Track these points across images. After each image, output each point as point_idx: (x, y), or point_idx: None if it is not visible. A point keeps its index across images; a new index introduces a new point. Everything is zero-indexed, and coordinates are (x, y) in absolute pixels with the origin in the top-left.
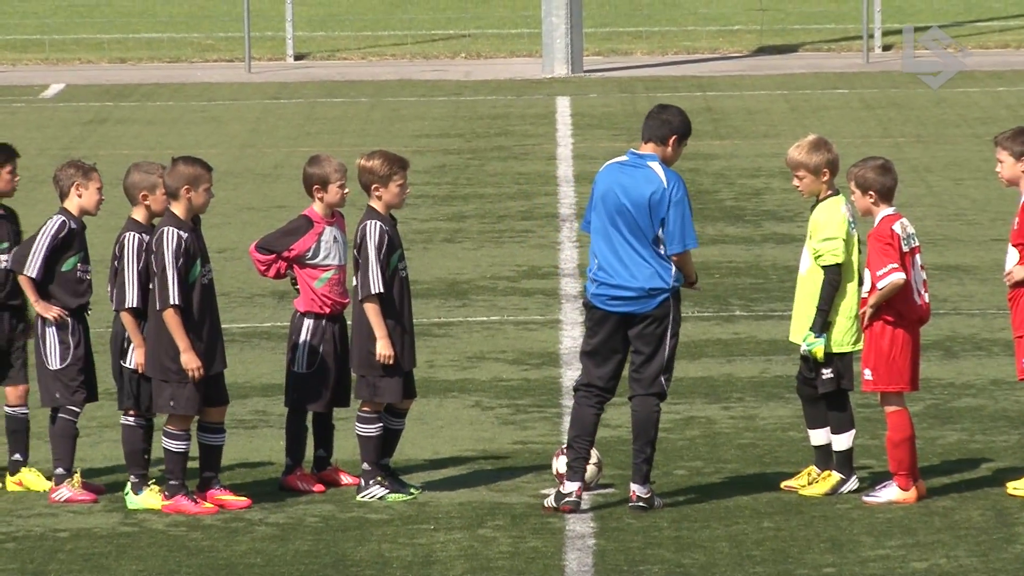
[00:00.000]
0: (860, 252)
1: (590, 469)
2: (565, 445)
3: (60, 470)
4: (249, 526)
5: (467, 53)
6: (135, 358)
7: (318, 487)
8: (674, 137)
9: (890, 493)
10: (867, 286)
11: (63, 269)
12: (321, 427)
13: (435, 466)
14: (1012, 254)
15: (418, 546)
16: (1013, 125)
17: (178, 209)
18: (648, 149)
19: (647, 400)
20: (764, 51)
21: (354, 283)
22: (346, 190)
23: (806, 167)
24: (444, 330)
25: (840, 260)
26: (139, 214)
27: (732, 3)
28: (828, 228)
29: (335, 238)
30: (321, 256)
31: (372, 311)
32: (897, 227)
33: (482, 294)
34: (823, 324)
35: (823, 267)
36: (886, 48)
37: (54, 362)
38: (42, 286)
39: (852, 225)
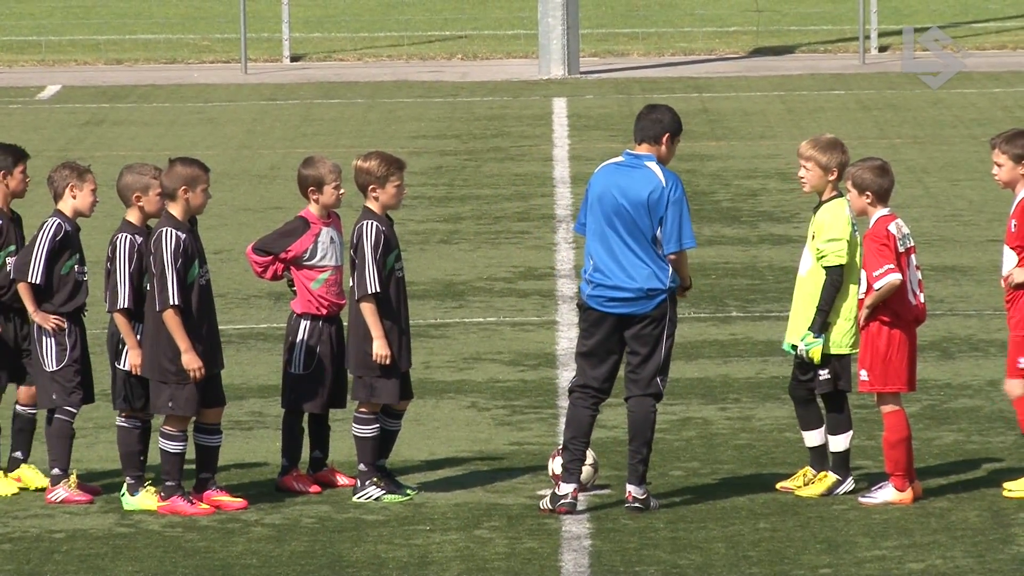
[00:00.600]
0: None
1: (586, 470)
2: (561, 446)
3: (56, 471)
4: (245, 527)
5: (463, 54)
6: (129, 359)
7: (314, 488)
8: (667, 135)
9: (886, 494)
10: (863, 287)
11: (62, 272)
12: (317, 428)
13: (431, 467)
14: (1010, 256)
15: (414, 547)
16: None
17: (176, 210)
18: (643, 150)
19: (644, 401)
20: (760, 52)
21: (351, 284)
22: (341, 191)
23: (817, 161)
24: (440, 331)
25: (844, 261)
26: (133, 216)
27: (728, 4)
28: (833, 229)
29: (332, 239)
30: (318, 257)
31: (368, 311)
32: (893, 228)
33: (478, 295)
34: (823, 324)
35: (826, 268)
36: (882, 49)
37: (51, 364)
38: (44, 291)
39: (855, 228)
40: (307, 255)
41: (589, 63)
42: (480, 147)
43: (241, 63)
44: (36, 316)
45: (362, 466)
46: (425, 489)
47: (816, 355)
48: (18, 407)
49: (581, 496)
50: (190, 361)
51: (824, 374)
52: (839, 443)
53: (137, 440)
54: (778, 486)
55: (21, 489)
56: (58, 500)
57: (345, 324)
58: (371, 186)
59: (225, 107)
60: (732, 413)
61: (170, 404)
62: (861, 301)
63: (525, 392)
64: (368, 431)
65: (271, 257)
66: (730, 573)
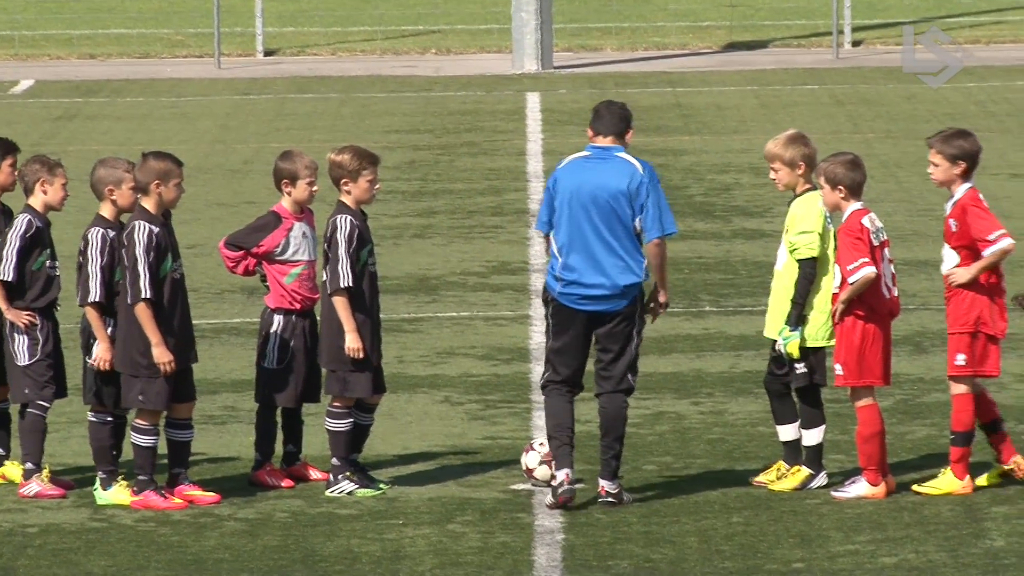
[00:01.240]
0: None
1: (543, 469)
2: (535, 441)
3: (29, 465)
4: (218, 521)
5: (437, 49)
6: (97, 352)
7: (287, 482)
8: (630, 131)
9: (859, 488)
10: (837, 281)
11: (34, 268)
12: (291, 422)
13: (404, 461)
14: (951, 255)
15: (387, 541)
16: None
17: (149, 204)
18: (609, 142)
19: (615, 397)
20: (734, 47)
21: (323, 278)
22: (315, 188)
23: (781, 159)
24: (414, 326)
25: (816, 254)
26: (106, 210)
27: None
28: (805, 222)
29: (304, 233)
30: (290, 252)
31: (341, 305)
32: (866, 221)
33: (452, 290)
34: (798, 317)
35: (798, 261)
36: (856, 44)
37: (23, 358)
38: (16, 288)
39: (829, 220)
40: (279, 250)
41: (562, 58)
42: (453, 142)
43: (214, 58)
44: (8, 313)
45: (335, 460)
46: (398, 483)
47: (794, 350)
48: None
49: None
50: (160, 355)
51: (801, 367)
52: (812, 437)
53: (109, 435)
54: (751, 480)
55: (7, 483)
56: (31, 494)
57: (319, 319)
58: (343, 180)
59: (198, 102)
60: (705, 407)
61: (141, 398)
62: (836, 295)
63: (498, 386)
64: (341, 425)
65: (243, 252)
66: (703, 567)
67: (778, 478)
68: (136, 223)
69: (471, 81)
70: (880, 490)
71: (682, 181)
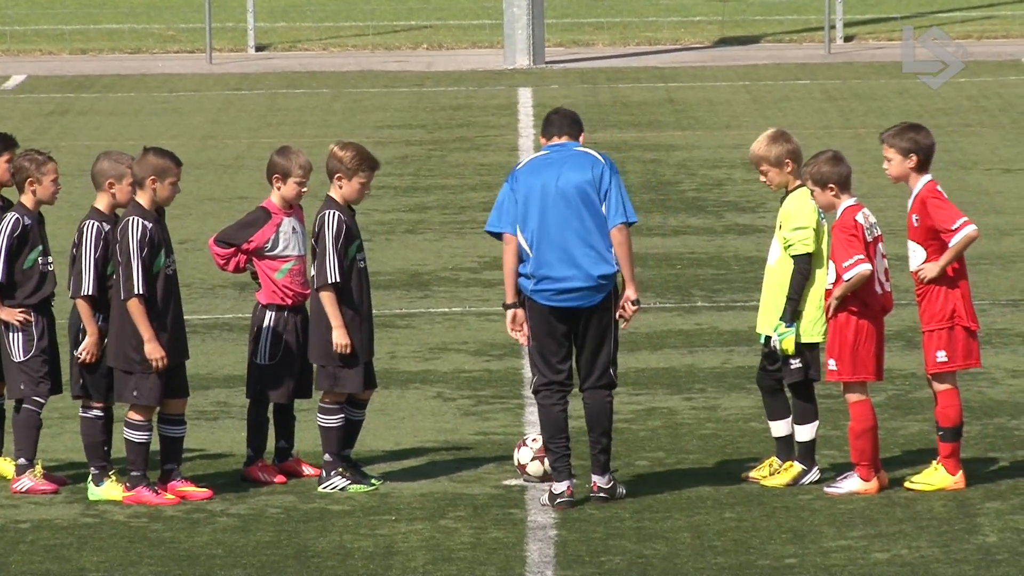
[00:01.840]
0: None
1: (535, 464)
2: (528, 436)
3: (22, 460)
4: (210, 517)
5: (429, 44)
6: (84, 345)
7: (280, 478)
8: (582, 135)
9: (852, 484)
10: (832, 277)
11: (25, 267)
12: (283, 418)
13: (396, 457)
14: (917, 251)
15: (379, 537)
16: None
17: (143, 199)
18: (564, 140)
19: (598, 392)
20: (726, 42)
21: (311, 273)
22: (304, 189)
23: (767, 160)
24: (406, 321)
25: (811, 250)
26: (102, 202)
27: None
28: (799, 217)
29: (294, 228)
30: (280, 247)
31: (328, 300)
32: (860, 217)
33: (444, 285)
34: (793, 313)
35: (793, 256)
36: (848, 39)
37: (18, 354)
38: (6, 287)
39: (822, 215)
40: (269, 245)
41: (554, 53)
42: (445, 137)
43: (206, 53)
44: (2, 312)
45: (327, 456)
46: (390, 479)
47: (789, 346)
48: None
49: (544, 486)
50: (152, 351)
51: (796, 363)
52: (805, 433)
53: (100, 430)
54: (744, 476)
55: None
56: (23, 490)
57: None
58: (338, 175)
59: (190, 97)
60: (698, 403)
61: (135, 393)
62: (829, 292)
63: (490, 382)
64: (332, 421)
65: (233, 249)
66: (696, 563)
67: (771, 474)
68: (130, 218)
69: (463, 76)
70: (872, 486)
71: (674, 176)
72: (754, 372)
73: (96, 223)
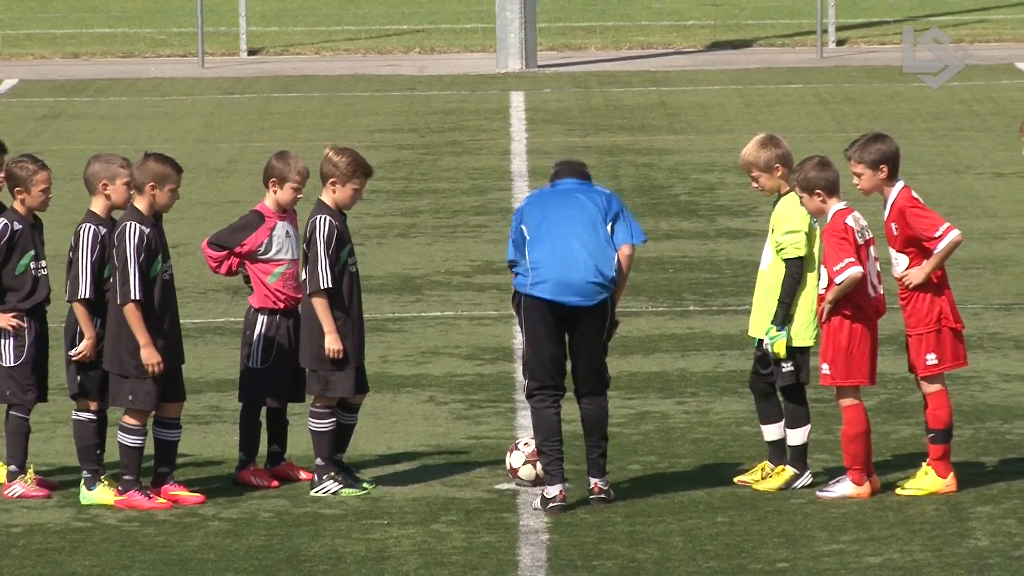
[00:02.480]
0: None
1: (527, 468)
2: (520, 440)
3: (13, 467)
4: (202, 521)
5: (421, 48)
6: (79, 347)
7: (272, 482)
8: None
9: (844, 488)
10: (824, 282)
11: (17, 272)
12: (275, 422)
13: (389, 461)
14: (900, 258)
15: (372, 541)
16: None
17: (141, 204)
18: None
19: (597, 398)
20: (718, 46)
21: (303, 277)
22: (299, 195)
23: (756, 166)
24: (398, 325)
25: (802, 253)
26: (98, 205)
27: None
28: (791, 221)
29: (287, 233)
30: (273, 251)
31: (320, 306)
32: (850, 220)
33: (436, 289)
34: (785, 316)
35: (785, 260)
36: (840, 43)
37: (8, 359)
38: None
39: (814, 219)
40: (262, 249)
41: (547, 57)
42: (438, 141)
43: (198, 57)
44: None
45: (319, 460)
46: (383, 483)
47: (780, 349)
48: None
49: (536, 490)
50: (149, 356)
51: (787, 366)
52: (797, 437)
53: (93, 433)
54: (736, 480)
55: None
56: (15, 496)
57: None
58: (332, 179)
59: (182, 101)
60: (690, 407)
61: (130, 398)
62: (822, 296)
63: (483, 386)
64: (324, 425)
65: (226, 252)
66: (688, 567)
67: (763, 478)
68: (127, 223)
69: (455, 80)
70: (865, 490)
71: (667, 180)
72: (746, 376)
73: (93, 226)
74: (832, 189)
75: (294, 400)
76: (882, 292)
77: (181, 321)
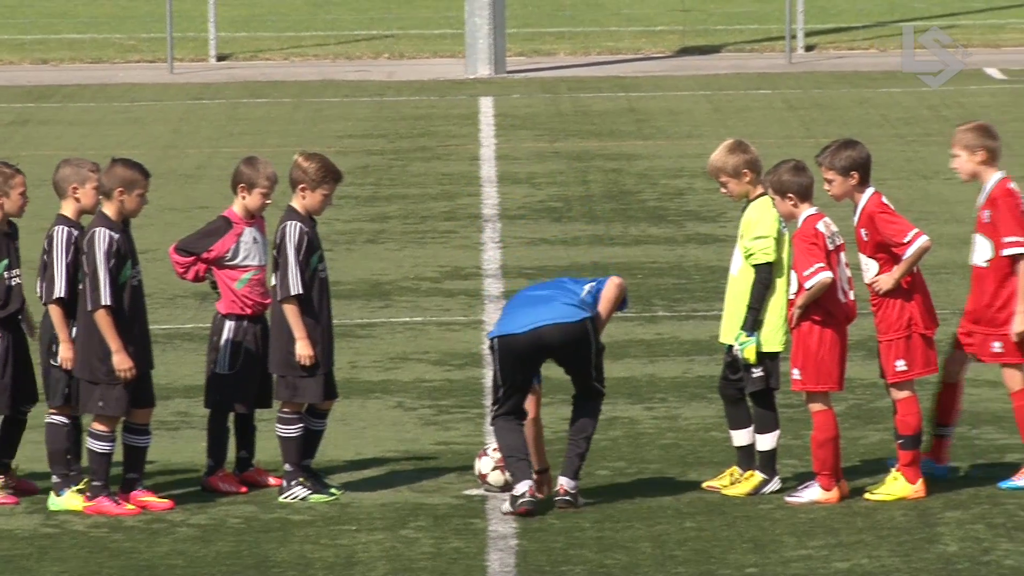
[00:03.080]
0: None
1: (496, 474)
2: (488, 446)
3: None
4: (171, 527)
5: (390, 53)
6: (61, 352)
7: (240, 488)
8: None
9: (813, 493)
10: (794, 287)
11: None
12: (243, 428)
13: (357, 467)
14: (870, 264)
15: (340, 547)
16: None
17: (110, 210)
18: None
19: (591, 403)
20: (687, 52)
21: (273, 283)
22: (268, 200)
23: (725, 171)
24: (367, 331)
25: (771, 259)
26: (68, 208)
27: (655, 4)
28: (760, 227)
29: (255, 239)
30: (241, 257)
31: (291, 312)
32: (821, 226)
33: (405, 295)
34: (755, 322)
35: (754, 266)
36: (809, 48)
37: None
38: None
39: (783, 224)
40: (230, 255)
41: (516, 62)
42: (407, 146)
43: (167, 62)
44: None
45: (287, 466)
46: (351, 489)
47: (751, 355)
48: None
49: (505, 496)
50: (121, 362)
51: (757, 372)
52: (766, 442)
53: (65, 438)
54: (705, 485)
55: None
56: None
57: (270, 324)
58: (302, 185)
59: (151, 106)
60: (658, 412)
61: (100, 404)
62: (792, 301)
63: (451, 392)
64: (292, 431)
65: (193, 258)
66: (656, 572)
67: (731, 483)
68: (96, 229)
69: (424, 86)
70: (833, 495)
71: (636, 186)
72: (715, 381)
73: (66, 228)
74: (804, 194)
75: (261, 406)
76: (853, 298)
77: (150, 327)
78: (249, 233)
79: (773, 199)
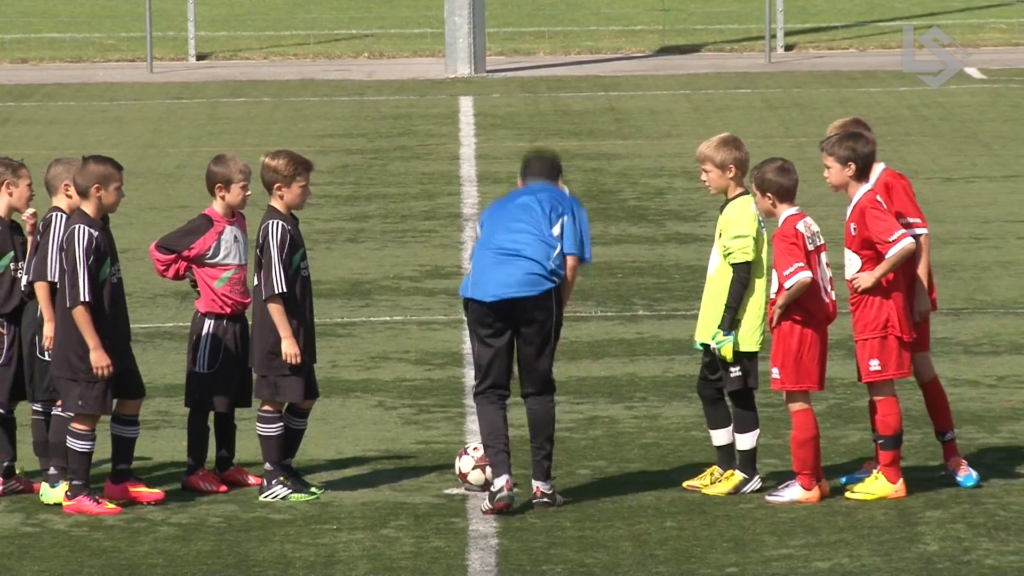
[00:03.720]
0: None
1: (476, 473)
2: (469, 445)
3: None
4: (151, 526)
5: (370, 53)
6: (45, 331)
7: (221, 487)
8: (560, 179)
9: (793, 492)
10: (774, 286)
11: None
12: (223, 427)
13: (338, 466)
14: (853, 260)
15: (321, 546)
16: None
17: (88, 208)
18: (541, 182)
19: (543, 398)
20: (667, 51)
21: (256, 283)
22: (248, 192)
23: (712, 161)
24: (347, 330)
25: (750, 258)
26: (61, 203)
27: (634, 3)
28: (739, 226)
29: (235, 237)
30: (221, 256)
31: (276, 311)
32: (801, 226)
33: (385, 294)
34: (732, 322)
35: (732, 265)
36: (788, 48)
37: None
38: None
39: (762, 224)
40: (210, 253)
41: (496, 62)
42: (387, 146)
43: (147, 62)
44: None
45: (268, 465)
46: (332, 488)
47: (727, 353)
48: None
49: (485, 495)
50: (99, 359)
51: (735, 372)
52: (746, 442)
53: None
54: (685, 484)
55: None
56: None
57: (250, 323)
58: (277, 184)
59: (131, 106)
60: (639, 412)
61: (80, 403)
62: (773, 301)
63: (432, 391)
64: (272, 430)
65: (174, 256)
66: (637, 572)
67: (712, 482)
68: (76, 226)
69: (404, 85)
70: (814, 494)
71: (615, 185)
72: (695, 381)
73: (64, 215)
74: (785, 196)
75: (241, 405)
76: (833, 298)
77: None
78: (230, 232)
79: (754, 193)
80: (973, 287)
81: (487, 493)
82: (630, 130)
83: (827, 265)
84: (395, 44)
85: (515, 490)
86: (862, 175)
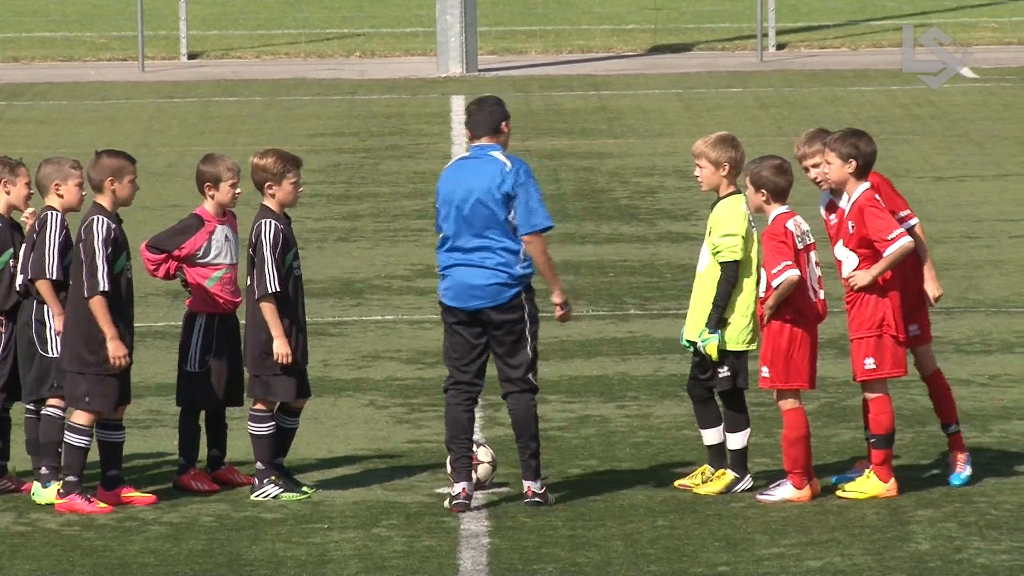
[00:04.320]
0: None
1: (484, 468)
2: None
3: None
4: (143, 525)
5: (361, 52)
6: (55, 326)
7: (212, 486)
8: (505, 123)
9: (784, 491)
10: (763, 286)
11: None
12: (214, 426)
13: (329, 465)
14: (850, 258)
15: (312, 545)
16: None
17: (104, 201)
18: (486, 141)
19: (522, 397)
20: (658, 50)
21: (248, 282)
22: (238, 190)
23: (707, 157)
24: (339, 329)
25: (738, 257)
26: (53, 203)
27: (626, 2)
28: (729, 224)
29: (227, 237)
30: (212, 255)
31: (269, 311)
32: (791, 225)
33: (377, 293)
34: (719, 320)
35: (721, 263)
36: (780, 47)
37: None
38: None
39: (752, 223)
40: (201, 253)
41: (487, 61)
42: (378, 145)
43: (138, 61)
44: None
45: (259, 464)
46: (323, 487)
47: (713, 352)
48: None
49: (480, 494)
50: (116, 348)
51: (723, 371)
52: (737, 441)
53: (59, 430)
54: (676, 484)
55: None
56: None
57: (241, 322)
58: (268, 183)
59: (122, 105)
60: (630, 411)
61: (87, 399)
62: (762, 300)
63: (423, 390)
64: (264, 429)
65: (164, 255)
66: (629, 571)
67: (703, 481)
68: (95, 216)
69: (395, 84)
70: (805, 493)
71: (607, 184)
72: (686, 380)
73: (58, 213)
74: (778, 194)
75: (232, 404)
76: (823, 297)
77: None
78: (221, 231)
79: (747, 188)
80: (965, 286)
81: (448, 496)
82: (622, 129)
83: (817, 264)
84: (387, 43)
85: (474, 497)
86: (862, 173)
